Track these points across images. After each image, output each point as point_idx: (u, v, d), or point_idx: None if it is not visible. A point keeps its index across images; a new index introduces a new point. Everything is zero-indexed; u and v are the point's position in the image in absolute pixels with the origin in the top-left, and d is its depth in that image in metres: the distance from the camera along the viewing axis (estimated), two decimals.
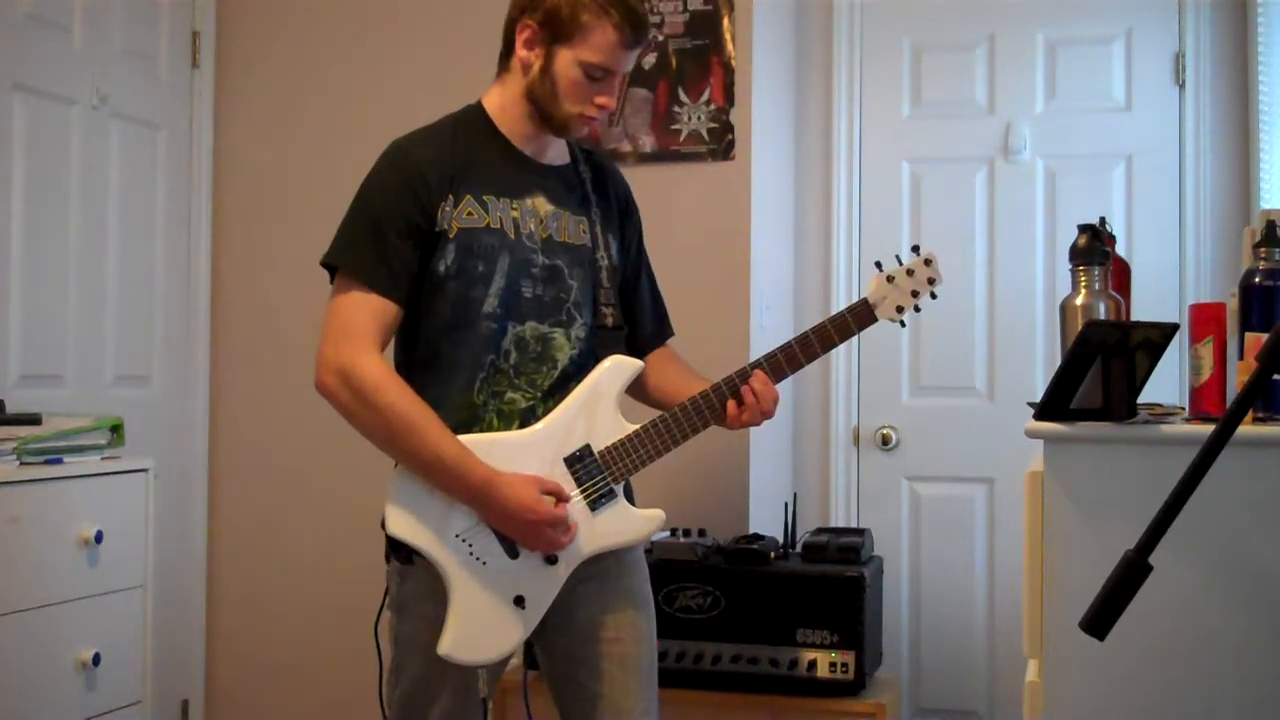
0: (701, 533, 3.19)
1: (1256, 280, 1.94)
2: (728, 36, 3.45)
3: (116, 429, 2.90)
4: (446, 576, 2.05)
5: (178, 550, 3.65)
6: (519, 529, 2.04)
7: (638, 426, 2.12)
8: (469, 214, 2.10)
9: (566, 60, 2.10)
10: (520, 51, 2.13)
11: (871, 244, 3.83)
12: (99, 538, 2.78)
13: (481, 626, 2.06)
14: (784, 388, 3.76)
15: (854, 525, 3.70)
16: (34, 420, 2.78)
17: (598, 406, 2.12)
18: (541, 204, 2.16)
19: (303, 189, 3.78)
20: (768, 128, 3.58)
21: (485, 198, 2.12)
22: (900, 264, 2.24)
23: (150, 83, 3.63)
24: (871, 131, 3.85)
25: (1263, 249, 1.96)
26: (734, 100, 3.44)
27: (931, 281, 2.26)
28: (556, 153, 2.23)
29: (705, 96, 3.47)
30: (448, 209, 2.09)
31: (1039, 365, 3.64)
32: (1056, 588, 1.86)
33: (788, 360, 2.17)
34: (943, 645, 3.72)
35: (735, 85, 3.44)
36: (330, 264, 2.12)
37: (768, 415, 2.16)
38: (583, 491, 2.09)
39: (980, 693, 3.69)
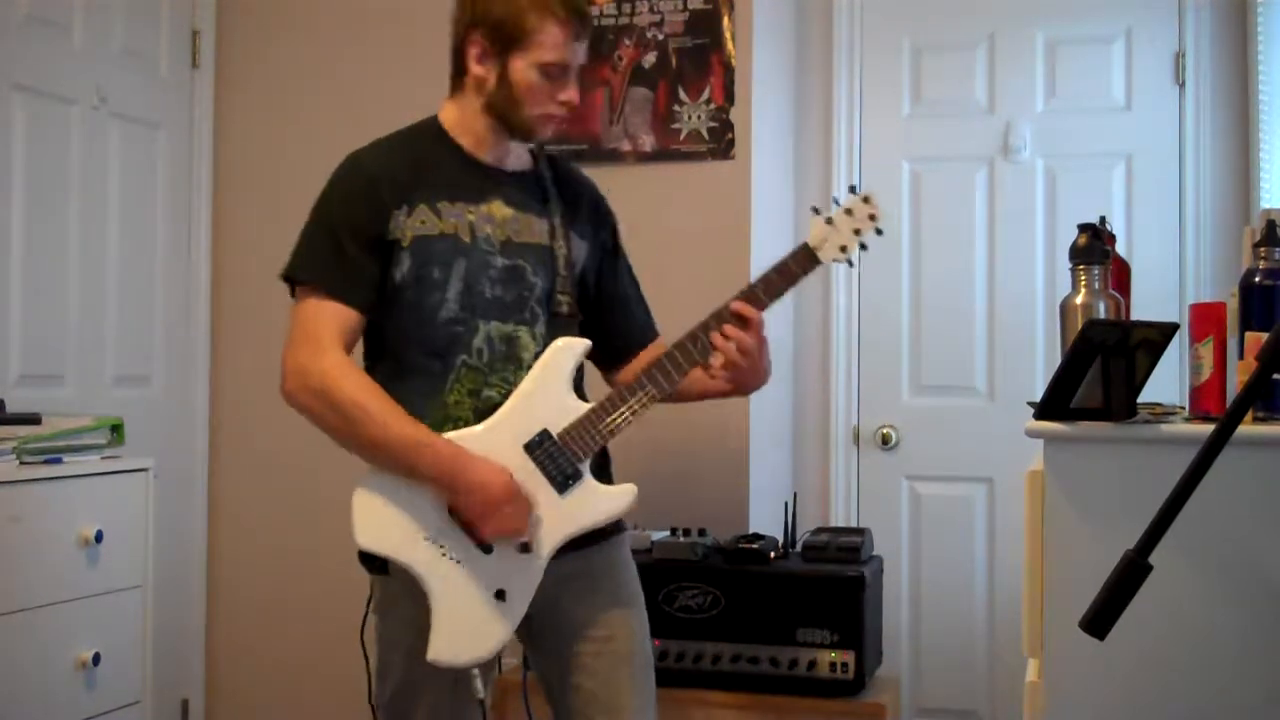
0: (701, 533, 3.19)
1: (1256, 280, 1.94)
2: (728, 36, 3.45)
3: (116, 429, 2.90)
4: (423, 581, 2.06)
5: (178, 550, 3.65)
6: (481, 506, 2.02)
7: (593, 404, 2.12)
8: (422, 222, 2.13)
9: (521, 67, 2.12)
10: (474, 69, 2.16)
11: (872, 243, 3.81)
12: (99, 537, 2.78)
13: (466, 626, 2.06)
14: (784, 387, 3.79)
15: (854, 525, 3.70)
16: (34, 420, 2.78)
17: (550, 389, 2.12)
18: (499, 208, 2.18)
19: (303, 189, 3.75)
20: (768, 127, 3.58)
21: (439, 205, 2.14)
22: (838, 205, 2.24)
23: (150, 83, 3.63)
24: (871, 131, 3.84)
25: (1263, 249, 1.95)
26: (734, 99, 3.44)
27: (873, 218, 2.25)
28: (515, 159, 2.25)
29: (705, 96, 3.47)
30: (401, 218, 2.12)
31: (1039, 365, 3.64)
32: (1056, 588, 1.86)
33: (764, 291, 2.18)
34: (943, 645, 3.72)
35: (735, 84, 3.44)
36: (288, 277, 2.18)
37: (749, 349, 2.13)
38: (547, 476, 2.09)
39: (980, 693, 3.69)
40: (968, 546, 3.72)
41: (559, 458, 2.09)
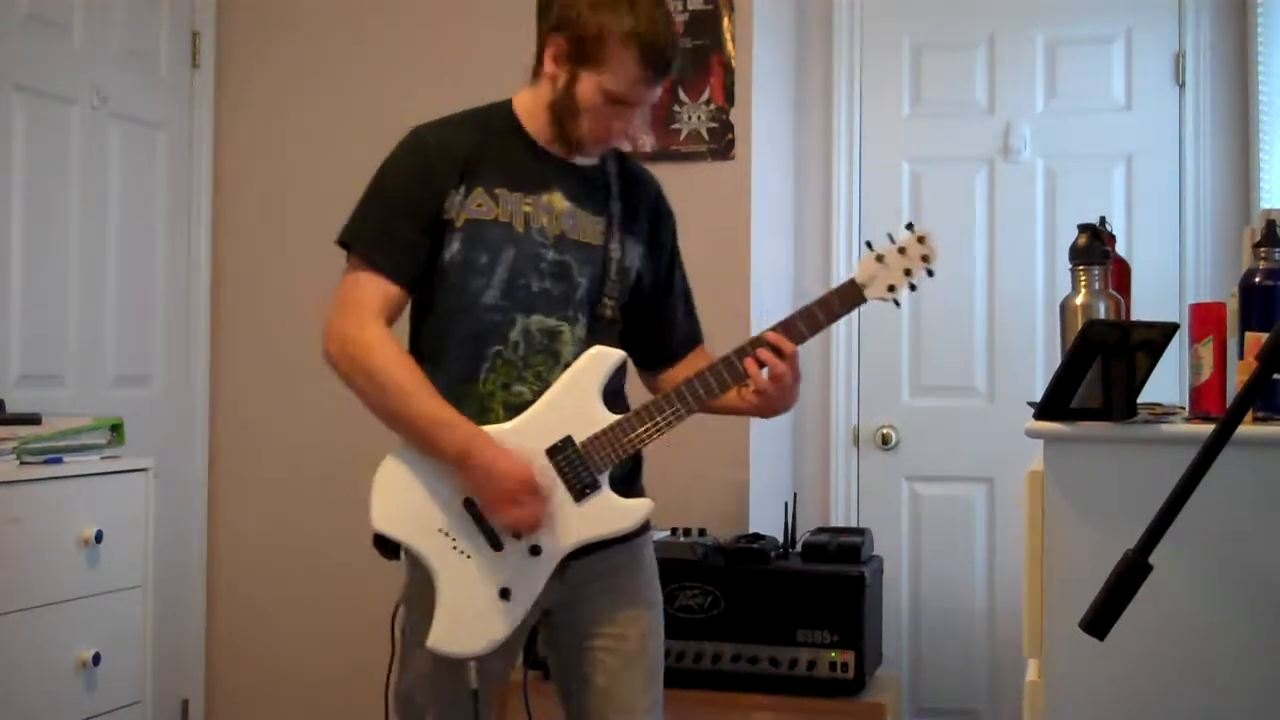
0: (701, 532, 3.19)
1: (1256, 280, 1.94)
2: (728, 36, 3.45)
3: (116, 429, 2.89)
4: (432, 570, 2.08)
5: (178, 550, 3.65)
6: (497, 491, 2.03)
7: (620, 416, 2.11)
8: (478, 205, 2.12)
9: (589, 84, 2.11)
10: (548, 65, 2.15)
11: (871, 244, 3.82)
12: (99, 538, 2.78)
13: (468, 619, 2.07)
14: None
15: (854, 525, 3.70)
16: (34, 420, 2.78)
17: (580, 397, 2.11)
18: (558, 200, 2.16)
19: (302, 189, 3.78)
20: (768, 127, 3.58)
21: (497, 191, 2.13)
22: (892, 242, 2.18)
23: (150, 83, 3.63)
24: (871, 131, 3.85)
25: (1263, 249, 1.95)
26: (734, 100, 3.44)
27: (925, 259, 2.20)
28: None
29: (705, 96, 3.47)
30: (457, 199, 2.11)
31: (1039, 365, 3.64)
32: (1056, 588, 1.86)
33: (802, 325, 2.15)
34: (943, 645, 3.72)
35: (735, 85, 3.44)
36: (342, 242, 2.16)
37: (783, 378, 2.11)
38: (566, 483, 2.09)
39: (980, 693, 3.69)
40: (968, 546, 3.73)
41: (579, 466, 2.09)
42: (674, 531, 3.19)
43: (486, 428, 2.09)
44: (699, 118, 3.47)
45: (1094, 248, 2.18)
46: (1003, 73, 3.76)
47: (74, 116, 3.32)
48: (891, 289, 2.18)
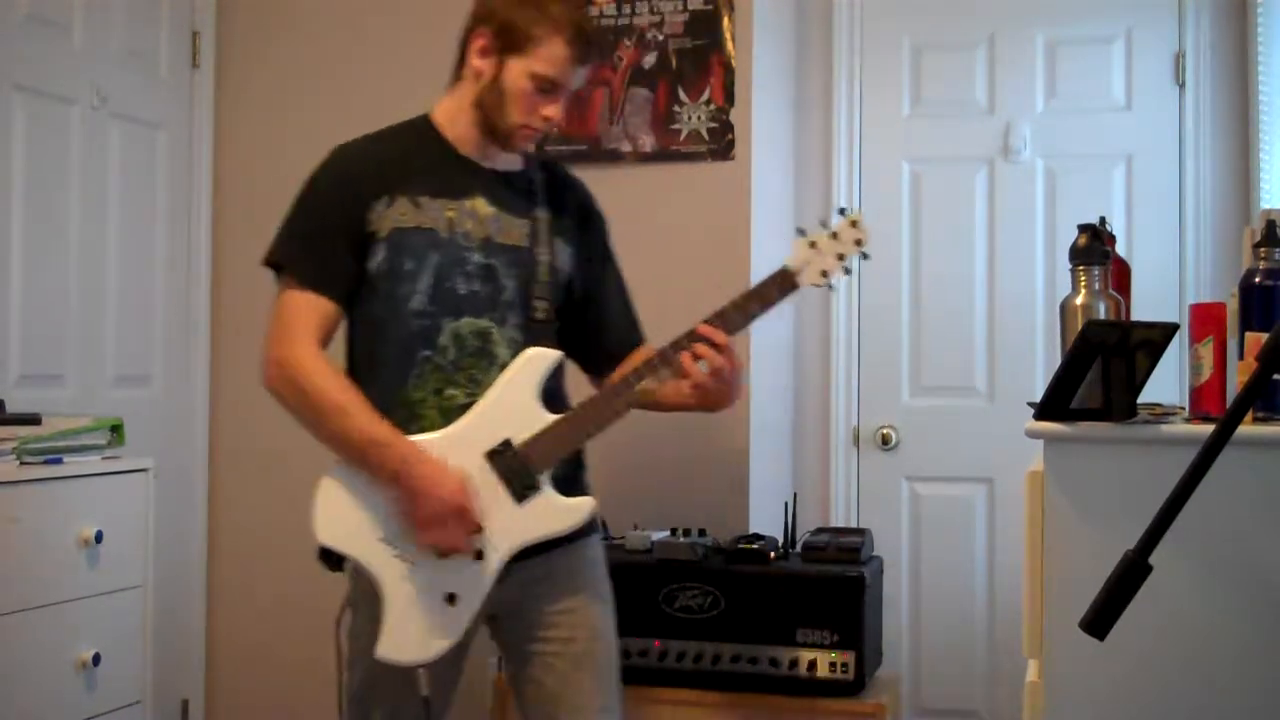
0: (702, 533, 3.19)
1: (1256, 280, 1.94)
2: (728, 36, 3.45)
3: (116, 429, 2.90)
4: (377, 580, 2.10)
5: (178, 550, 3.65)
6: (424, 513, 2.05)
7: (558, 416, 2.13)
8: (401, 214, 2.16)
9: (517, 71, 2.15)
10: (473, 60, 2.19)
11: (872, 244, 3.81)
12: (99, 538, 2.78)
13: (415, 627, 2.09)
14: (784, 387, 3.79)
15: (854, 525, 3.70)
16: (34, 420, 2.78)
17: (517, 399, 2.12)
18: (481, 205, 2.20)
19: None
20: (768, 128, 3.58)
21: (420, 199, 2.17)
22: (824, 228, 2.19)
23: (150, 83, 3.63)
24: (871, 131, 3.84)
25: (1263, 249, 1.96)
26: (734, 100, 3.44)
27: (859, 243, 2.19)
28: (505, 159, 2.26)
29: (705, 96, 3.47)
30: (380, 209, 2.16)
31: (1039, 365, 3.64)
32: (1056, 588, 1.86)
33: (732, 317, 2.16)
34: (943, 645, 3.72)
35: (735, 85, 3.44)
36: (269, 262, 2.21)
37: (721, 370, 2.11)
38: (506, 485, 2.10)
39: (980, 693, 3.69)
40: (968, 547, 3.72)
41: (519, 468, 2.10)
42: (674, 531, 3.19)
43: (422, 436, 2.11)
44: (699, 118, 3.47)
45: (1094, 248, 2.18)
46: (1003, 73, 3.76)
47: (74, 116, 3.32)
48: (825, 274, 2.18)
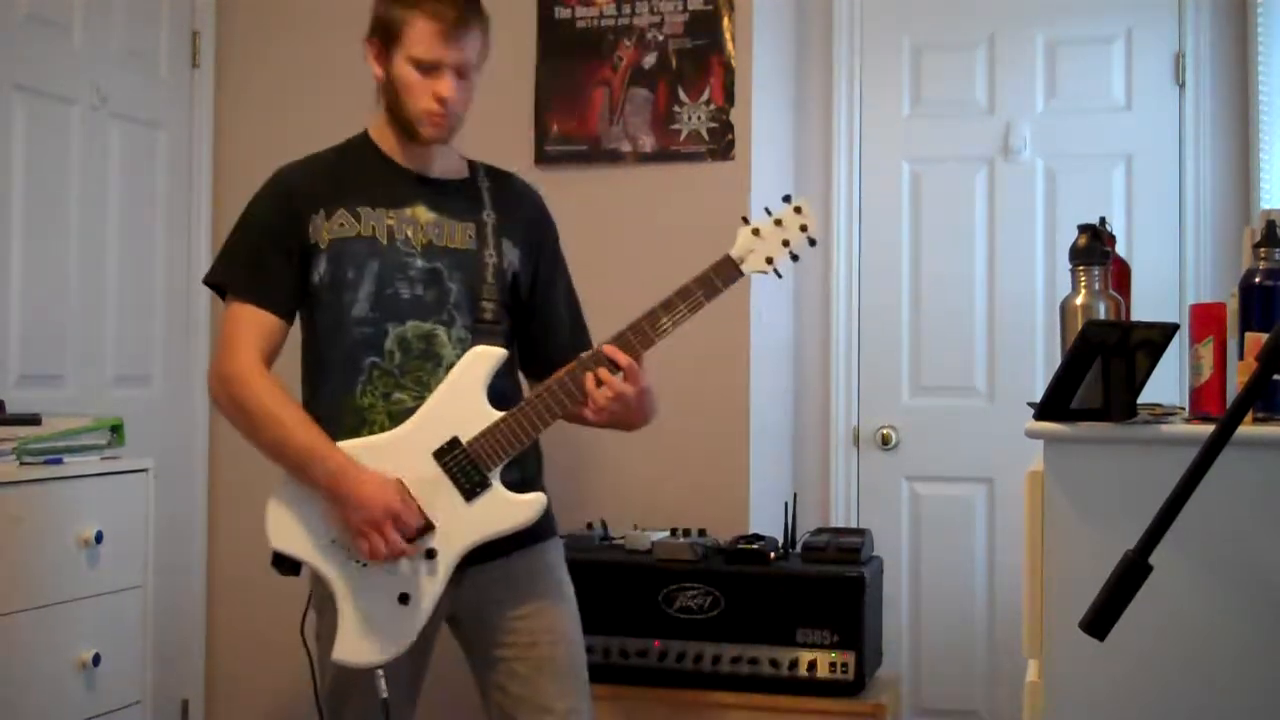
0: (701, 533, 3.19)
1: (1256, 280, 1.94)
2: (728, 36, 3.45)
3: (116, 429, 2.89)
4: (329, 583, 2.13)
5: (178, 550, 3.65)
6: (359, 524, 2.06)
7: (504, 413, 2.12)
8: (340, 225, 2.20)
9: (399, 62, 2.19)
10: (374, 72, 2.25)
11: (872, 244, 3.83)
12: (99, 538, 2.78)
13: (369, 628, 2.11)
14: (784, 387, 3.79)
15: (854, 525, 3.70)
16: (34, 420, 2.78)
17: (463, 397, 2.13)
18: (422, 212, 2.22)
19: None
20: (768, 128, 3.58)
21: (359, 209, 2.21)
22: (769, 214, 2.20)
23: (150, 83, 3.63)
24: (871, 131, 3.84)
25: (1263, 249, 1.95)
26: (734, 100, 3.44)
27: (804, 229, 2.19)
28: (446, 167, 2.29)
29: (705, 96, 3.47)
30: (319, 221, 2.20)
31: (1039, 365, 3.64)
32: (1056, 588, 1.86)
33: (651, 326, 2.13)
34: (943, 645, 3.72)
35: (735, 85, 3.44)
36: (209, 282, 2.28)
37: (623, 395, 2.09)
38: (455, 483, 2.10)
39: (980, 693, 3.69)
40: (968, 547, 3.72)
41: (467, 466, 2.11)
42: (674, 532, 3.19)
43: (370, 438, 2.13)
44: (699, 118, 3.47)
45: (1094, 248, 2.18)
46: (1003, 73, 3.76)
47: (74, 116, 3.32)
48: (769, 261, 2.18)
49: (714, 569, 3.04)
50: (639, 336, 2.12)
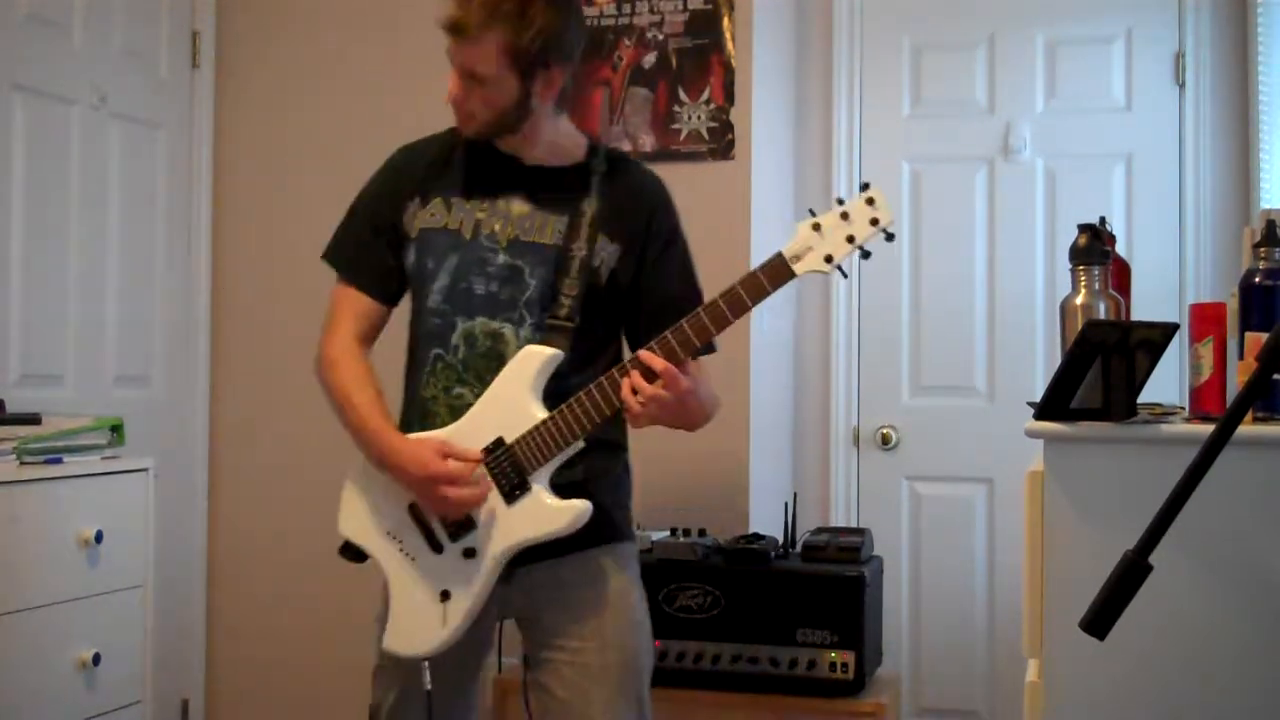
0: (702, 533, 3.19)
1: (1256, 280, 1.94)
2: (728, 36, 3.45)
3: (116, 429, 2.89)
4: (385, 572, 2.18)
5: (178, 550, 3.65)
6: (419, 489, 2.10)
7: (548, 415, 2.08)
8: (432, 215, 2.21)
9: None
10: None
11: (871, 244, 3.82)
12: (99, 538, 2.78)
13: (414, 620, 2.14)
14: (784, 387, 3.79)
15: (854, 525, 3.70)
16: (34, 420, 2.78)
17: (512, 397, 2.10)
18: (517, 204, 2.19)
19: (302, 189, 3.78)
20: (768, 127, 3.58)
21: (453, 200, 2.21)
22: (838, 206, 2.01)
23: (150, 83, 3.63)
24: (871, 131, 3.84)
25: (1263, 249, 1.95)
26: (734, 99, 3.44)
27: (875, 222, 1.97)
28: (553, 153, 2.23)
29: (705, 96, 3.47)
30: (413, 209, 2.21)
31: (1039, 365, 3.64)
32: (1056, 588, 1.86)
33: (696, 332, 2.01)
34: (943, 645, 3.72)
35: (735, 85, 3.44)
36: (324, 258, 2.30)
37: (657, 399, 2.00)
38: (497, 485, 2.09)
39: (980, 693, 3.69)
40: (968, 546, 3.73)
41: (509, 467, 2.09)
42: (674, 531, 3.19)
43: (424, 434, 2.14)
44: (699, 118, 3.47)
45: (1094, 248, 2.17)
46: (1003, 73, 3.76)
47: (74, 116, 3.32)
48: (829, 259, 1.98)
49: (714, 569, 3.04)
50: (680, 340, 2.02)
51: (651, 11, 3.50)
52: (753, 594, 2.99)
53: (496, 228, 2.18)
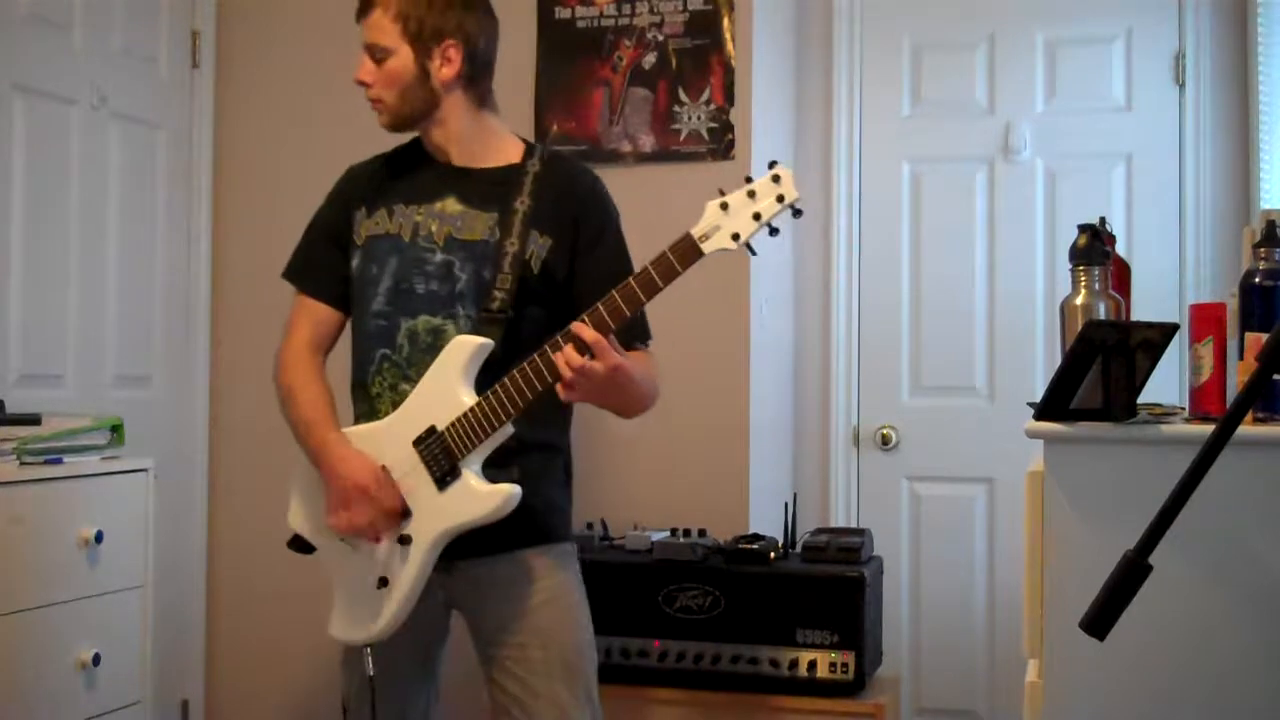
0: (702, 533, 3.19)
1: (1256, 280, 1.94)
2: (728, 36, 3.45)
3: (116, 429, 2.90)
4: (325, 562, 2.25)
5: (178, 550, 3.64)
6: (334, 496, 2.17)
7: (477, 400, 2.10)
8: (376, 223, 2.30)
9: None
10: None
11: (871, 244, 3.83)
12: (99, 538, 2.78)
13: (355, 608, 2.20)
14: (784, 387, 3.79)
15: (854, 525, 3.70)
16: (34, 420, 2.78)
17: (442, 386, 2.14)
18: (451, 204, 2.27)
19: (303, 189, 3.76)
20: (768, 128, 3.58)
21: (395, 207, 2.30)
22: (746, 184, 1.99)
23: (150, 83, 3.63)
24: (871, 131, 3.85)
25: (1263, 249, 1.96)
26: (734, 100, 3.44)
27: (782, 199, 1.96)
28: (483, 154, 2.30)
29: (705, 96, 3.47)
30: (361, 218, 2.31)
31: (1039, 365, 3.64)
32: (1056, 588, 1.86)
33: (610, 311, 2.02)
34: (943, 645, 3.72)
35: (735, 85, 3.44)
36: (283, 275, 2.43)
37: (588, 370, 1.99)
38: (429, 472, 2.13)
39: (980, 693, 3.69)
40: (968, 547, 3.73)
41: (440, 454, 2.13)
42: (674, 531, 3.19)
43: (361, 426, 2.25)
44: (699, 118, 3.47)
45: (1094, 248, 2.18)
46: (1003, 73, 3.76)
47: (74, 116, 3.32)
48: (735, 237, 1.99)
49: (714, 569, 3.04)
50: (610, 309, 2.02)
51: (651, 11, 3.50)
52: (753, 594, 2.99)
53: (434, 228, 2.25)
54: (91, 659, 2.77)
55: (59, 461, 2.73)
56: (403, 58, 2.25)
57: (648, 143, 3.50)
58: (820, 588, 2.97)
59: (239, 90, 3.86)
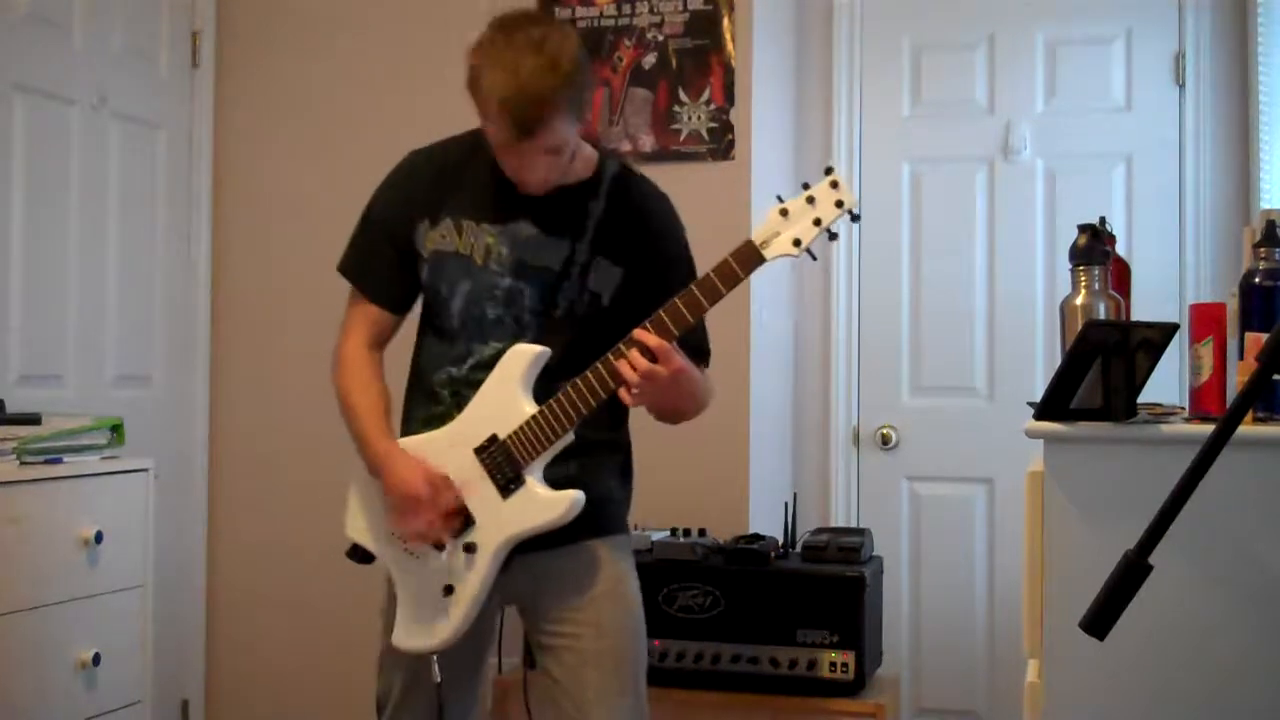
0: (701, 533, 3.19)
1: (1256, 280, 1.94)
2: (728, 36, 3.45)
3: (116, 429, 2.89)
4: (390, 571, 2.23)
5: (178, 550, 3.65)
6: (395, 504, 2.15)
7: (538, 409, 2.11)
8: (442, 237, 2.22)
9: (488, 130, 2.11)
10: None
11: (871, 244, 3.83)
12: (99, 538, 2.78)
13: (420, 616, 2.19)
14: (784, 387, 3.79)
15: (854, 525, 3.70)
16: (34, 420, 2.78)
17: (503, 394, 2.14)
18: (524, 228, 2.19)
19: (303, 189, 3.78)
20: (768, 128, 3.58)
21: (464, 222, 2.21)
22: (803, 191, 2.03)
23: (150, 83, 3.63)
24: (871, 131, 3.85)
25: (1263, 249, 1.96)
26: (734, 100, 3.44)
27: (840, 204, 1.98)
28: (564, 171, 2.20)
29: (705, 96, 3.47)
30: (424, 228, 2.22)
31: (1039, 365, 3.64)
32: (1056, 588, 1.86)
33: (672, 318, 2.04)
34: (943, 645, 3.72)
35: (735, 85, 3.44)
36: (339, 269, 2.32)
37: (653, 375, 2.01)
38: (492, 479, 2.13)
39: (980, 693, 3.69)
40: (968, 546, 3.73)
41: (503, 462, 2.13)
42: (674, 531, 3.19)
43: (421, 436, 2.21)
44: (699, 118, 3.47)
45: (1094, 248, 2.18)
46: (1003, 73, 3.76)
47: (74, 116, 3.32)
48: (797, 243, 2.01)
49: (714, 569, 3.04)
50: (673, 315, 2.05)
51: (651, 12, 3.50)
52: (753, 594, 3.00)
53: (504, 252, 2.19)
54: (91, 659, 2.77)
55: (59, 461, 2.73)
56: (572, 138, 2.12)
57: (648, 143, 3.50)
58: (820, 587, 2.97)
59: (239, 90, 3.86)
